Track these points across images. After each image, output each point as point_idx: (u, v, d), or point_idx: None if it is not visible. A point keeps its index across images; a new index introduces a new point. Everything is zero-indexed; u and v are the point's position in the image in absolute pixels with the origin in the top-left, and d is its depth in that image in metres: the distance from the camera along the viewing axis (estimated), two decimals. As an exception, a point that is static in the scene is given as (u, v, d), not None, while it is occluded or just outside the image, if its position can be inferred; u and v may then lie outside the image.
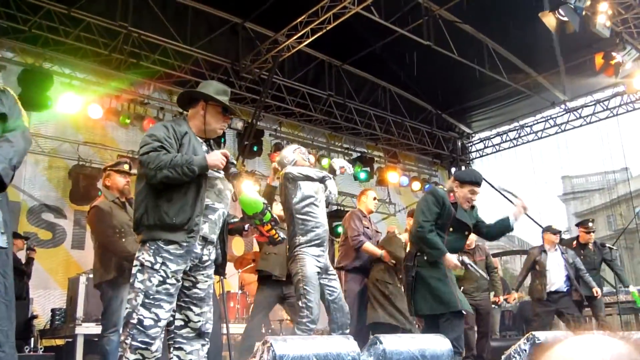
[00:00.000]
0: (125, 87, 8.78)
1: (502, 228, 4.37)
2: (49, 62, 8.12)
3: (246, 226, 3.32)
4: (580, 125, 11.79)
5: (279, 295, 5.37)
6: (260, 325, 5.62)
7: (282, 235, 3.23)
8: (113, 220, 4.48)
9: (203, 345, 2.91)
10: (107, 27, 8.23)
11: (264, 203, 3.00)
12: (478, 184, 4.26)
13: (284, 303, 5.54)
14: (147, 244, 2.76)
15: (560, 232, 7.15)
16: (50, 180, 8.12)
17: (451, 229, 4.17)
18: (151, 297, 2.68)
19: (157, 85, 9.10)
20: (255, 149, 9.79)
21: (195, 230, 2.77)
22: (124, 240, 4.47)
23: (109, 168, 4.78)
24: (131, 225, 4.38)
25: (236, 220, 3.34)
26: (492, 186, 4.88)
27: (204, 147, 2.98)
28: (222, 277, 3.36)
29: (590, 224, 7.48)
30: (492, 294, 7.08)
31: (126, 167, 4.70)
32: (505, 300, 7.70)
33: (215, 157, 2.80)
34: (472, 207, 4.29)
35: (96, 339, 5.38)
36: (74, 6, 7.87)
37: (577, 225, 7.61)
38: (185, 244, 2.77)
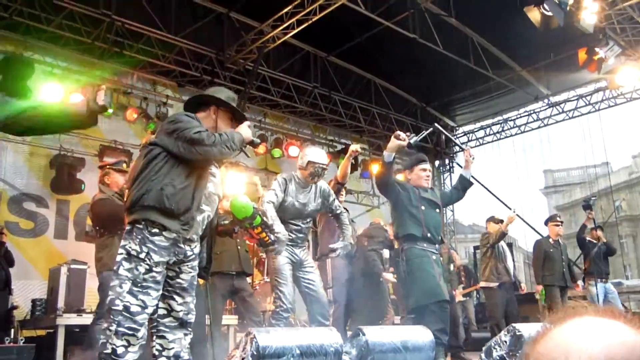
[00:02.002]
0: (108, 77, 8.64)
1: (463, 184, 4.98)
2: (30, 51, 7.96)
3: (236, 228, 3.35)
4: (563, 120, 11.94)
5: (229, 289, 5.38)
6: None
7: (272, 237, 3.28)
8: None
9: (185, 334, 2.91)
10: (90, 15, 8.09)
11: (253, 207, 3.04)
12: (423, 161, 4.81)
13: (235, 297, 5.57)
14: (134, 232, 2.75)
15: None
16: (31, 169, 8.01)
17: (423, 207, 4.59)
18: (139, 284, 2.68)
19: (140, 74, 8.99)
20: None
21: (190, 224, 2.80)
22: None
23: (108, 166, 4.86)
24: None
25: (226, 222, 3.37)
26: (442, 131, 5.21)
27: None
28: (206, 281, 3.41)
29: (558, 218, 7.61)
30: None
31: (125, 166, 4.82)
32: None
33: (248, 132, 2.97)
34: (432, 188, 4.82)
35: (77, 330, 5.35)
36: (56, -7, 7.73)
37: (546, 222, 7.65)
38: (173, 235, 2.77)
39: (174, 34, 8.83)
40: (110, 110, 8.40)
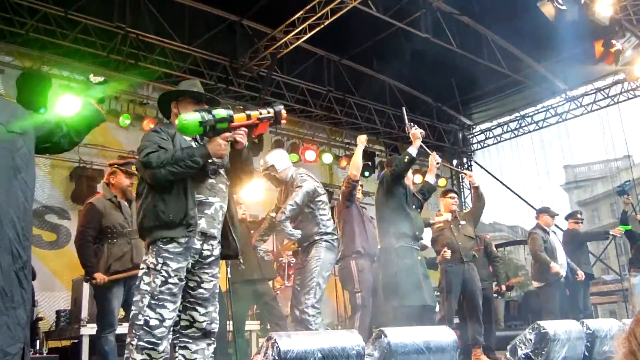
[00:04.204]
0: (124, 88, 8.75)
1: (428, 188, 5.34)
2: (48, 65, 8.11)
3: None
4: (582, 114, 11.77)
5: (252, 294, 5.46)
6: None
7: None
8: (104, 220, 4.47)
9: (209, 344, 2.92)
10: (105, 29, 8.22)
11: (200, 121, 2.71)
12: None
13: (259, 302, 5.62)
14: (151, 247, 2.78)
15: (557, 215, 7.14)
16: (52, 182, 8.13)
17: (414, 206, 4.86)
18: (156, 297, 2.70)
19: (156, 85, 9.08)
20: (246, 144, 9.69)
21: (193, 224, 2.79)
22: (115, 240, 4.47)
23: (116, 165, 4.73)
24: (124, 225, 4.45)
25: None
26: (405, 117, 5.25)
27: (194, 144, 3.01)
28: (228, 277, 3.39)
29: (579, 215, 7.43)
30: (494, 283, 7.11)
31: (134, 168, 4.61)
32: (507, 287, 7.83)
33: (216, 144, 2.81)
34: None
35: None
36: (70, 8, 7.85)
37: (566, 218, 7.49)
38: (184, 239, 2.78)
39: (188, 44, 8.90)
40: (127, 122, 8.52)
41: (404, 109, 5.67)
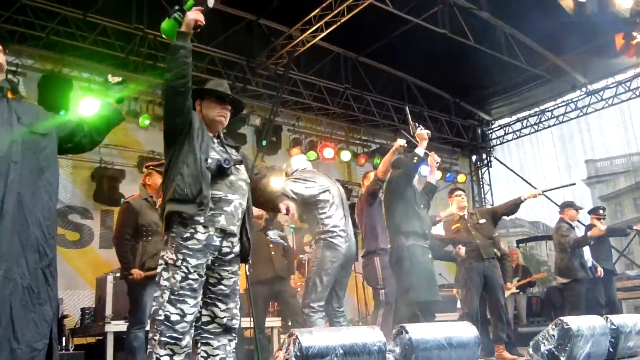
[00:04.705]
0: (143, 89, 8.85)
1: (430, 189, 5.44)
2: (68, 67, 8.22)
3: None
4: (602, 108, 11.61)
5: (270, 293, 5.56)
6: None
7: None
8: (140, 219, 4.66)
9: (230, 340, 2.93)
10: (123, 30, 8.31)
11: (173, 17, 3.01)
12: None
13: (278, 299, 5.70)
14: (169, 242, 2.81)
15: (581, 209, 7.05)
16: (75, 182, 8.24)
17: (422, 206, 5.00)
18: (176, 293, 2.71)
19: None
20: (265, 143, 9.73)
21: (205, 204, 2.78)
22: (150, 238, 4.62)
23: (152, 167, 4.91)
24: (159, 224, 4.54)
25: None
26: (408, 117, 5.35)
27: (216, 142, 3.03)
28: (247, 272, 3.40)
29: (601, 211, 7.29)
30: None
31: None
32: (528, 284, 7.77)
33: (186, 19, 2.96)
34: None
35: (125, 336, 5.48)
36: (89, 11, 7.95)
37: (589, 212, 7.37)
38: (205, 236, 2.79)
39: (205, 44, 8.95)
40: (146, 122, 8.61)
41: (406, 108, 5.72)
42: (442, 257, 6.18)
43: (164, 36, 3.03)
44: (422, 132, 4.86)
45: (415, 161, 4.81)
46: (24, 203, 2.27)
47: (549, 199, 11.85)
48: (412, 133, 4.98)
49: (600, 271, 6.76)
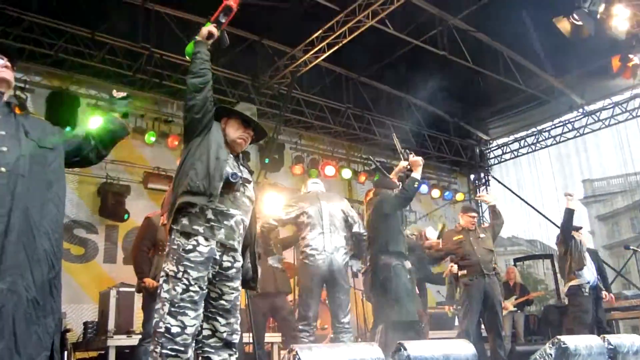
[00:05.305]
0: (149, 106, 8.93)
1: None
2: (76, 85, 8.29)
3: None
4: (600, 129, 11.63)
5: (269, 308, 5.58)
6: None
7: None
8: (158, 234, 4.79)
9: (230, 355, 2.91)
10: (130, 49, 8.40)
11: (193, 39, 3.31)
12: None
13: (276, 315, 5.71)
14: (171, 254, 2.81)
15: (581, 228, 6.98)
16: (80, 197, 8.24)
17: (403, 226, 5.12)
18: (176, 305, 2.70)
19: (180, 103, 9.21)
20: (267, 160, 9.82)
21: (215, 195, 2.83)
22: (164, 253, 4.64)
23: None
24: None
25: None
26: (396, 143, 5.45)
27: (231, 157, 3.06)
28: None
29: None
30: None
31: None
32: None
33: (201, 30, 3.24)
34: None
35: (127, 350, 5.45)
36: (97, 30, 8.05)
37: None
38: (208, 248, 2.79)
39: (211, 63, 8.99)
40: (152, 139, 8.66)
41: (394, 135, 5.82)
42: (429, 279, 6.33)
43: (187, 57, 3.30)
44: (417, 159, 5.01)
45: (415, 186, 4.91)
46: (32, 216, 2.28)
47: (547, 218, 11.85)
48: (403, 159, 5.12)
49: (605, 294, 6.64)
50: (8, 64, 2.52)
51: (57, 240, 2.39)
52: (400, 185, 4.98)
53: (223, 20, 3.27)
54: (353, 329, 7.82)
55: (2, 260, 2.14)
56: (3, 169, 2.25)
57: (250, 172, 3.23)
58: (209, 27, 3.23)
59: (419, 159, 5.01)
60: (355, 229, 5.14)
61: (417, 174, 4.91)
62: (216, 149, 2.96)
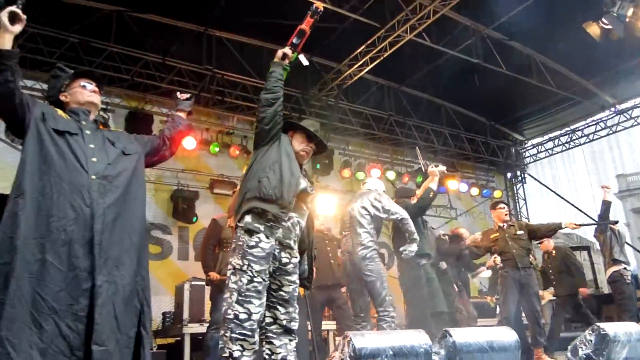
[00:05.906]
0: (213, 121, 9.16)
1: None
2: (150, 105, 8.60)
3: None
4: (632, 126, 11.10)
5: (326, 299, 5.55)
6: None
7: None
8: (222, 233, 4.94)
9: (290, 340, 2.94)
10: (195, 71, 8.64)
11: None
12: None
13: (332, 305, 5.65)
14: (237, 249, 2.86)
15: (617, 222, 6.71)
16: (156, 202, 8.51)
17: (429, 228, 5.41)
18: (243, 294, 2.76)
19: (240, 117, 9.40)
20: (318, 166, 9.90)
21: (288, 207, 2.88)
22: (228, 250, 4.80)
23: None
24: None
25: None
26: (419, 156, 5.47)
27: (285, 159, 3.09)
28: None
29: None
30: None
31: None
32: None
33: (278, 53, 3.23)
34: None
35: (200, 337, 5.59)
36: (166, 56, 8.33)
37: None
38: (269, 244, 2.84)
39: (265, 80, 9.11)
40: (216, 149, 8.87)
41: (417, 148, 5.80)
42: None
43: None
44: (434, 170, 5.05)
45: (431, 196, 4.99)
46: (121, 215, 2.41)
47: (583, 212, 11.37)
48: (423, 170, 5.14)
49: None
50: (96, 89, 2.64)
51: (142, 235, 2.52)
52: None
53: (297, 43, 3.24)
54: (401, 317, 7.77)
55: (101, 255, 2.27)
56: (94, 177, 2.37)
57: (311, 182, 3.26)
58: (284, 49, 3.25)
59: (436, 170, 5.07)
60: (390, 216, 4.80)
61: (433, 184, 4.98)
62: (289, 163, 3.00)
